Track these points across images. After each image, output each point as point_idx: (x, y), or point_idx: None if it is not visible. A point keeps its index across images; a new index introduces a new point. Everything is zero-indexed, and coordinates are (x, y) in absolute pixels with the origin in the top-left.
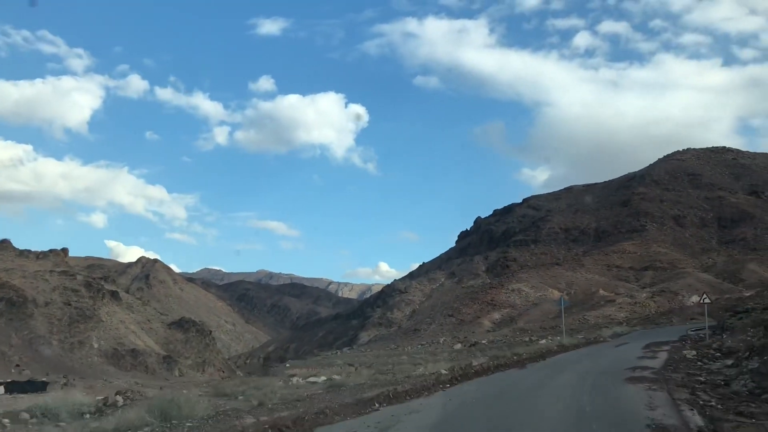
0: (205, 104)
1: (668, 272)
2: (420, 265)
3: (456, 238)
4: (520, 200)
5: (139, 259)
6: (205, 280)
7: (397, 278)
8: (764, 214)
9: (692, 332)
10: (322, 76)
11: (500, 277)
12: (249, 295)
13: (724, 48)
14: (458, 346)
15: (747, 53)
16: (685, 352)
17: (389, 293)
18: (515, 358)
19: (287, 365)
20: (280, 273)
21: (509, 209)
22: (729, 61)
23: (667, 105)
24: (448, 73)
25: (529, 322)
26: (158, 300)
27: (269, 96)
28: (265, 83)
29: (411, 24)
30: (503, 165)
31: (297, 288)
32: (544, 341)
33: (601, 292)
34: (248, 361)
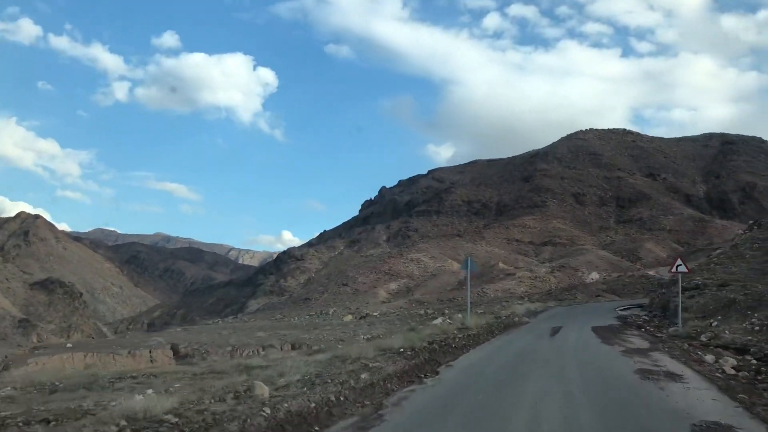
0: (105, 57)
1: (567, 248)
2: (321, 233)
3: (360, 207)
4: (425, 172)
5: (19, 215)
6: (96, 241)
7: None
8: (660, 196)
9: (624, 311)
10: (230, 36)
11: (401, 246)
12: (140, 257)
13: (624, 40)
14: (349, 317)
15: (644, 46)
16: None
17: (284, 260)
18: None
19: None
20: (178, 237)
21: (414, 180)
22: (627, 52)
23: (568, 91)
24: (359, 44)
25: (427, 294)
26: (37, 259)
27: (173, 53)
28: (170, 39)
29: None
30: (410, 139)
31: (193, 252)
32: (439, 320)
33: (501, 265)
34: (131, 327)
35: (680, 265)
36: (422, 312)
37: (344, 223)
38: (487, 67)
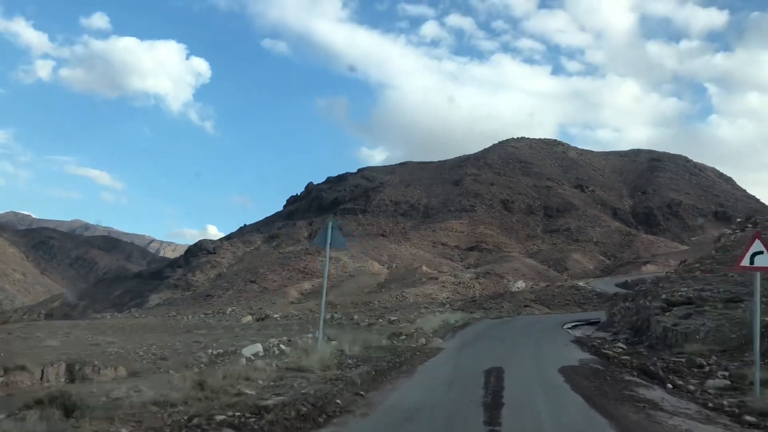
0: (28, 33)
1: (494, 254)
2: (241, 227)
3: (285, 202)
4: (355, 170)
5: None
6: (3, 224)
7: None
8: (587, 208)
9: (575, 330)
10: (163, 23)
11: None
12: (50, 244)
13: (555, 57)
14: (248, 318)
15: (573, 66)
16: None
17: (195, 253)
18: None
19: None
20: (97, 225)
21: (342, 178)
22: (557, 70)
23: (499, 103)
24: (297, 41)
25: (342, 295)
26: None
27: (102, 35)
28: (99, 20)
29: None
30: (344, 141)
31: (109, 241)
32: (276, 345)
33: (424, 268)
34: (26, 317)
35: (762, 253)
36: (328, 316)
37: (266, 218)
38: (423, 74)
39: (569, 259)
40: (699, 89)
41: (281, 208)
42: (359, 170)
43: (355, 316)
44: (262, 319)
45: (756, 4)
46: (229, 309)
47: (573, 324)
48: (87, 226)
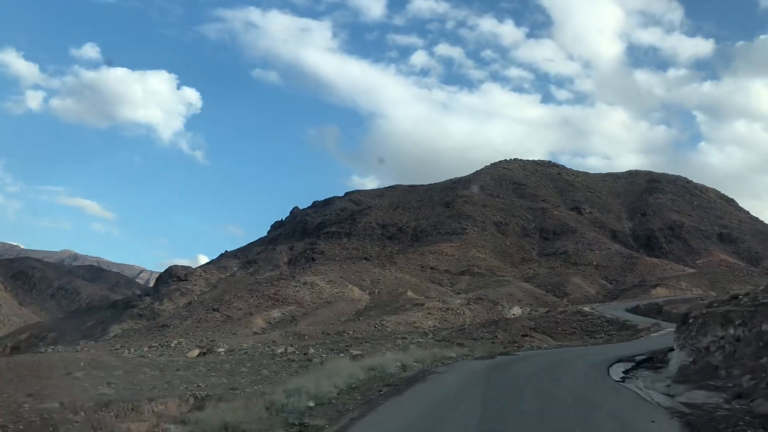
0: (18, 63)
1: (487, 279)
2: (222, 254)
3: (269, 228)
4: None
5: None
6: None
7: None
8: (585, 230)
9: (661, 395)
10: (154, 53)
11: (302, 269)
12: (31, 274)
13: (544, 86)
14: (195, 352)
15: (562, 94)
16: None
17: (165, 280)
18: None
19: None
20: (86, 255)
21: (329, 202)
22: (546, 99)
23: (490, 131)
24: (288, 70)
25: (314, 324)
26: None
27: (93, 65)
28: (90, 51)
29: (254, 14)
30: (335, 170)
31: (94, 272)
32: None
33: (410, 293)
34: None
35: None
36: (281, 350)
37: (249, 244)
38: (413, 102)
39: (569, 283)
40: (687, 117)
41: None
42: (347, 194)
43: (311, 350)
44: (207, 353)
45: (741, 33)
46: (175, 341)
47: (623, 369)
48: (76, 257)
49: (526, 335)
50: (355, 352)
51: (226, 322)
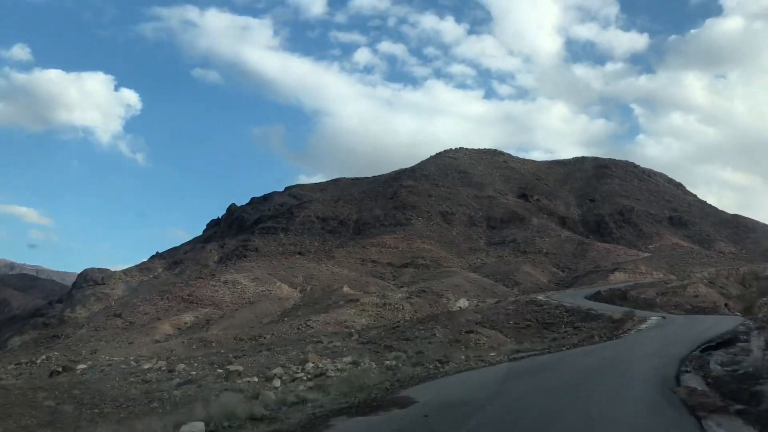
0: None
1: (432, 270)
2: (153, 255)
3: (204, 227)
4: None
5: None
6: None
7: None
8: (533, 217)
9: None
10: (89, 54)
11: (226, 267)
12: None
13: (486, 82)
14: (59, 369)
15: (504, 89)
16: None
17: (80, 285)
18: None
19: None
20: (25, 264)
21: (268, 197)
22: (489, 94)
23: (435, 128)
24: (229, 70)
25: (230, 328)
26: None
27: (24, 67)
28: (20, 52)
29: (191, 12)
30: (281, 170)
31: (27, 280)
32: None
33: (346, 289)
34: None
35: None
36: (148, 366)
37: (183, 244)
38: (358, 100)
39: (519, 271)
40: (626, 110)
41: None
42: (286, 189)
43: (181, 366)
44: (59, 373)
45: (673, 27)
46: (42, 357)
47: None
48: (12, 266)
49: (471, 331)
50: (233, 368)
51: (127, 329)
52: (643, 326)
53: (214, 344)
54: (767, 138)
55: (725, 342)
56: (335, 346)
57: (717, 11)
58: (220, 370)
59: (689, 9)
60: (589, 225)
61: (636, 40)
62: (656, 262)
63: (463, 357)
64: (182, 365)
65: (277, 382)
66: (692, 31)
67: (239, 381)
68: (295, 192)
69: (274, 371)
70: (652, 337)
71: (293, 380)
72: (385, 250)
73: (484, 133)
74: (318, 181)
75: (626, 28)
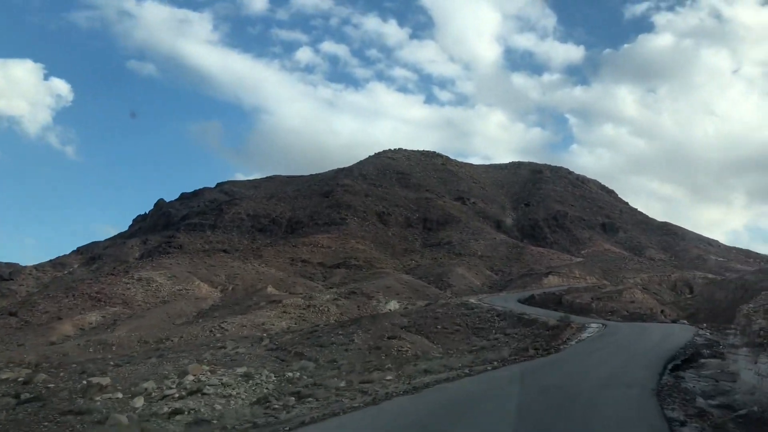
0: None
1: (364, 271)
2: (75, 250)
3: (130, 223)
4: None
5: None
6: None
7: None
8: (470, 220)
9: None
10: (16, 41)
11: (143, 264)
12: None
13: (427, 87)
14: None
15: (445, 95)
16: None
17: None
18: None
19: None
20: None
21: (198, 193)
22: (430, 99)
23: (376, 131)
24: (166, 63)
25: (136, 330)
26: None
27: None
28: None
29: (128, 2)
30: (218, 167)
31: None
32: None
33: (270, 290)
34: None
35: None
36: (5, 377)
37: (106, 240)
38: (299, 99)
39: (452, 273)
40: (561, 120)
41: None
42: (218, 185)
43: (41, 378)
44: None
45: (607, 41)
46: None
47: None
48: None
49: (394, 337)
50: (96, 381)
51: (21, 329)
52: (584, 335)
53: (114, 347)
54: (692, 152)
55: (689, 358)
56: (238, 353)
57: (649, 28)
58: (85, 382)
59: (623, 24)
60: (524, 229)
61: (572, 52)
62: (590, 267)
63: (342, 384)
64: (43, 376)
65: (139, 401)
66: (625, 45)
67: (98, 398)
68: (227, 188)
69: (145, 385)
70: (599, 351)
71: (163, 397)
72: (317, 250)
73: (425, 137)
74: (252, 178)
75: (563, 40)
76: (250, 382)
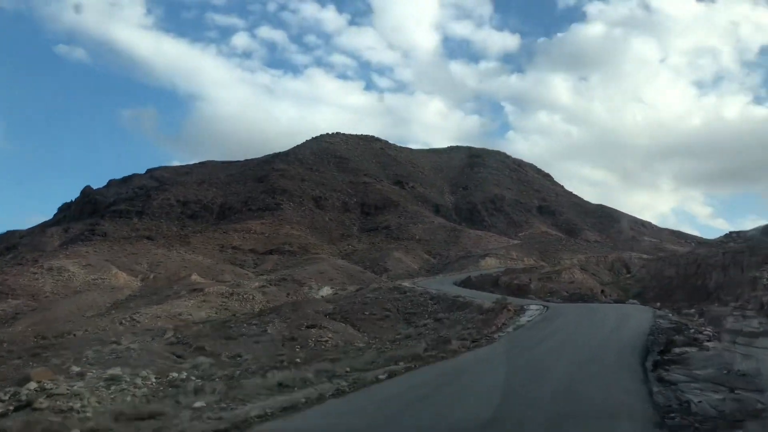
0: None
1: (298, 258)
2: None
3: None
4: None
5: None
6: None
7: None
8: (408, 204)
9: None
10: None
11: (55, 253)
12: None
13: (366, 74)
14: None
15: (384, 82)
16: None
17: None
18: None
19: None
20: None
21: (128, 179)
22: (369, 86)
23: (316, 117)
24: (97, 48)
25: (40, 324)
26: None
27: None
28: None
29: None
30: (153, 155)
31: None
32: None
33: (194, 277)
34: None
35: None
36: None
37: (29, 229)
38: (236, 85)
39: (389, 258)
40: (497, 107)
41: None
42: (148, 171)
43: None
44: None
45: (542, 30)
46: None
47: None
48: None
49: (315, 325)
50: None
51: None
52: (523, 319)
53: (5, 344)
54: (622, 139)
55: (664, 349)
56: (130, 349)
57: (581, 17)
58: None
59: (557, 13)
60: (462, 213)
61: (508, 41)
62: (527, 249)
63: (201, 404)
64: None
65: None
66: (559, 34)
67: None
68: (158, 174)
69: None
70: (543, 341)
71: None
72: (249, 236)
73: (365, 124)
74: (184, 164)
75: (499, 28)
76: (113, 388)
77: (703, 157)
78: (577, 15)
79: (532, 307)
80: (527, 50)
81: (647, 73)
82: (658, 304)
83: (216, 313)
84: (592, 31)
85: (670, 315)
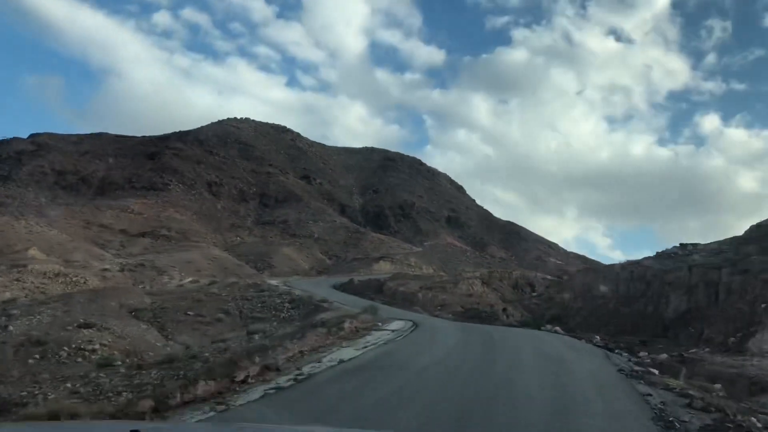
0: None
1: (173, 243)
2: None
3: None
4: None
5: None
6: None
7: None
8: (312, 201)
9: None
10: None
11: None
12: None
13: (290, 69)
14: None
15: (308, 80)
16: None
17: None
18: None
19: None
20: None
21: (6, 142)
22: (292, 82)
23: (233, 107)
24: (2, 5)
25: None
26: None
27: None
28: None
29: None
30: (55, 126)
31: None
32: None
33: (33, 252)
34: None
35: None
36: None
37: None
38: (153, 65)
39: (277, 253)
40: (418, 120)
41: None
42: (31, 135)
43: None
44: None
45: (468, 48)
46: None
47: None
48: None
49: (90, 325)
50: None
51: None
52: (372, 340)
53: None
54: (535, 164)
55: None
56: None
57: (507, 41)
58: None
59: (484, 34)
60: (368, 215)
61: (434, 55)
62: (429, 258)
63: None
64: None
65: None
66: (484, 55)
67: None
68: (41, 140)
69: None
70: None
71: None
72: (125, 216)
73: (284, 120)
74: (75, 133)
75: (427, 42)
76: None
77: (608, 189)
78: (503, 38)
79: (394, 324)
80: (452, 67)
81: (564, 103)
82: (597, 337)
83: (25, 296)
84: (515, 56)
85: (628, 359)
